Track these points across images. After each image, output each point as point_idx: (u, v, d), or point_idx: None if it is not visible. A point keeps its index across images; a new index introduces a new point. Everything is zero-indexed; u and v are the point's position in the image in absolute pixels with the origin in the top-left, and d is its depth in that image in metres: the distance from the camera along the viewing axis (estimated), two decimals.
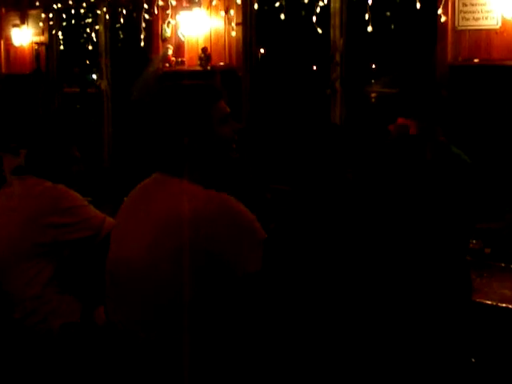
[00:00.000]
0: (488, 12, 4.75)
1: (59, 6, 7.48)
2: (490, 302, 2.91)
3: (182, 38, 6.43)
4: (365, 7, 5.22)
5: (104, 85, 7.38)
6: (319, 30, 5.54)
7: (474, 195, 3.23)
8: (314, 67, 6.09)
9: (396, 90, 5.30)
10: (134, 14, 6.88)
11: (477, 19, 4.79)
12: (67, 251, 3.11)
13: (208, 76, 6.12)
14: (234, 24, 6.08)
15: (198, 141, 2.22)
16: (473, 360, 2.63)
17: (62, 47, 7.73)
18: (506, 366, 2.74)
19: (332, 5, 5.58)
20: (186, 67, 6.36)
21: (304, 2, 5.59)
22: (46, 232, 3.02)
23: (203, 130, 2.23)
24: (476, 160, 4.68)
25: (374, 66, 5.82)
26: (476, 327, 2.80)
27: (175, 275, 2.12)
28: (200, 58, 6.15)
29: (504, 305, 2.90)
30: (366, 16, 5.20)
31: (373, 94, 5.87)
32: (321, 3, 5.51)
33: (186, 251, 2.10)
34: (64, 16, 7.55)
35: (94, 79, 7.61)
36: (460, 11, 4.84)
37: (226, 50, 6.20)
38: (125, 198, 2.43)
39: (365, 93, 5.84)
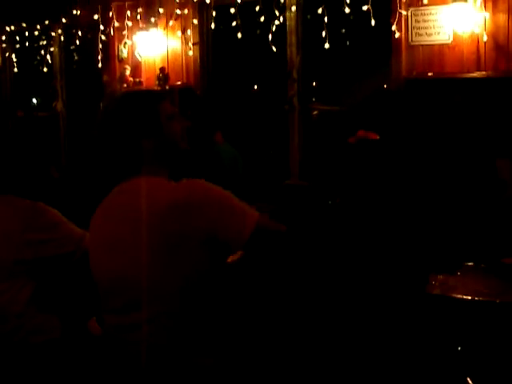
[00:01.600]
0: (440, 28, 4.94)
1: (12, 28, 7.45)
2: (469, 297, 3.05)
3: (139, 59, 6.47)
4: (321, 25, 5.36)
5: (60, 106, 7.37)
6: (274, 49, 5.66)
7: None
8: (271, 84, 6.20)
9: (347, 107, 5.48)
10: (89, 36, 6.90)
11: (429, 35, 4.98)
12: (47, 268, 3.12)
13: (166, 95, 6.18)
14: (190, 44, 6.16)
15: (151, 138, 2.32)
16: (459, 348, 2.75)
17: (15, 70, 7.69)
18: (487, 353, 2.87)
19: (288, 23, 5.72)
20: (144, 87, 6.39)
21: (260, 21, 5.70)
22: (27, 249, 3.03)
23: (154, 128, 2.32)
24: (430, 165, 4.87)
25: (330, 82, 5.96)
26: (457, 319, 2.94)
27: (173, 263, 2.17)
28: (158, 78, 6.20)
29: (480, 298, 3.06)
30: (323, 33, 5.35)
31: (315, 112, 5.99)
32: (277, 22, 5.65)
33: (184, 236, 2.16)
34: (18, 38, 7.52)
35: (34, 103, 7.62)
36: (413, 27, 5.02)
37: (184, 69, 6.27)
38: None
39: (314, 109, 5.96)
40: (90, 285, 2.48)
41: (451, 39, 4.92)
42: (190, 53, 6.17)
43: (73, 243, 3.12)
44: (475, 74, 4.82)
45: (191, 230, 2.15)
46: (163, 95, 2.44)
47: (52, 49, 7.30)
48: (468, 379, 2.54)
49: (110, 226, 2.34)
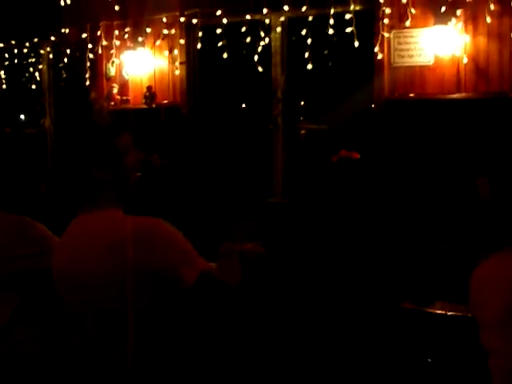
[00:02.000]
0: (421, 50, 5.04)
1: (1, 45, 7.52)
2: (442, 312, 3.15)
3: (126, 77, 6.54)
4: (305, 46, 5.46)
5: (47, 123, 7.43)
6: (260, 69, 5.75)
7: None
8: (256, 104, 6.28)
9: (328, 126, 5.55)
10: (78, 54, 6.96)
11: (411, 56, 5.07)
12: (32, 281, 3.17)
13: (153, 114, 6.25)
14: (177, 63, 6.24)
15: (106, 170, 2.38)
16: (429, 360, 2.81)
17: (4, 86, 7.75)
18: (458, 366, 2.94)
19: (273, 43, 5.81)
20: (131, 105, 6.46)
21: (246, 42, 5.79)
22: (13, 263, 3.08)
23: (110, 160, 2.39)
24: (412, 185, 4.95)
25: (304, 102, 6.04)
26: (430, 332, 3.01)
27: (121, 289, 2.26)
28: (145, 97, 6.27)
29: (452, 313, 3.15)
30: (306, 54, 5.44)
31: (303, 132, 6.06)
32: (262, 42, 5.74)
33: (129, 267, 2.25)
34: (6, 55, 7.58)
35: (22, 120, 7.67)
36: (395, 49, 5.12)
37: (170, 88, 6.34)
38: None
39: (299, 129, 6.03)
40: None
41: (432, 61, 5.01)
42: (177, 72, 6.25)
43: None
44: (455, 96, 4.91)
45: (142, 264, 2.24)
46: (121, 127, 2.51)
47: (40, 66, 7.36)
48: None
49: (69, 257, 2.43)
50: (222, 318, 2.72)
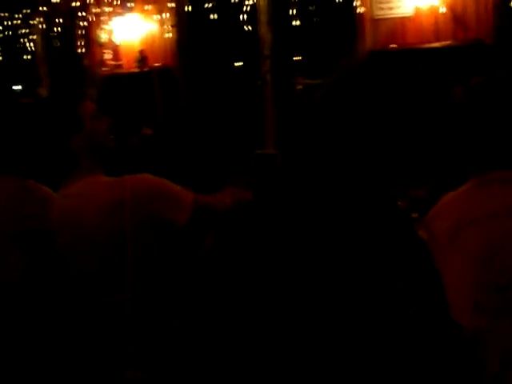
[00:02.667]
0: (401, 1, 5.23)
1: None
2: None
3: (117, 43, 6.72)
4: (289, 3, 5.65)
5: (43, 92, 7.61)
6: (248, 28, 5.94)
7: None
8: (246, 62, 6.48)
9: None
10: (68, 22, 7.12)
11: (391, 8, 5.27)
12: (39, 241, 3.39)
13: (145, 77, 6.44)
14: (168, 26, 6.42)
15: (75, 138, 2.58)
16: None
17: None
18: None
19: (259, 3, 5.99)
20: (124, 70, 6.66)
21: (233, 2, 5.97)
22: (20, 222, 3.30)
23: (76, 128, 2.58)
24: (397, 133, 5.17)
25: (300, 58, 6.24)
26: None
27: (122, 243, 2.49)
28: (137, 60, 6.46)
29: None
30: (292, 12, 5.63)
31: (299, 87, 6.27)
32: (247, 2, 5.92)
33: (128, 225, 2.47)
34: None
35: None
36: (376, 2, 5.32)
37: (162, 51, 6.53)
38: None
39: (295, 84, 6.23)
40: None
41: (412, 12, 5.21)
42: (168, 35, 6.43)
43: None
44: (435, 44, 5.12)
45: (141, 219, 2.47)
46: (81, 94, 2.68)
47: (33, 37, 7.53)
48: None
49: (69, 220, 2.63)
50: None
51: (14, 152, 3.56)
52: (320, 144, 4.04)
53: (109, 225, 2.48)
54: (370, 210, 2.98)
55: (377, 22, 5.35)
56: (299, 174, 3.07)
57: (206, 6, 6.08)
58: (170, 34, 6.45)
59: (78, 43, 6.94)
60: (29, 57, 7.61)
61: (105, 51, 6.78)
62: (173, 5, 6.39)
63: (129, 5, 6.53)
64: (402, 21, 5.26)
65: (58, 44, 7.48)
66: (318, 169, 3.31)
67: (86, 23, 6.88)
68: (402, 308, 2.63)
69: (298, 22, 5.66)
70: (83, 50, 6.97)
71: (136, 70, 6.49)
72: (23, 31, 7.59)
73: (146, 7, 6.50)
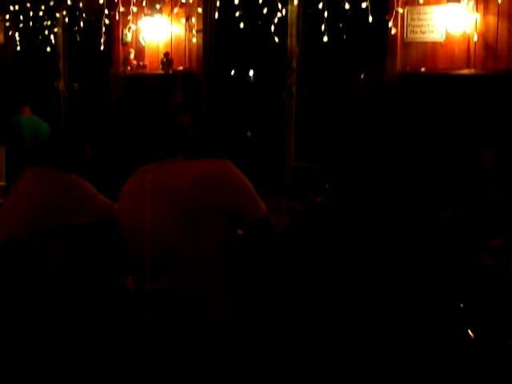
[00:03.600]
0: (433, 26, 5.28)
1: (16, 7, 7.67)
2: None
3: (143, 43, 6.74)
4: (321, 19, 5.68)
5: (61, 86, 7.62)
6: (276, 39, 5.97)
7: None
8: (271, 73, 6.51)
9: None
10: (93, 18, 7.14)
11: (423, 32, 5.31)
12: (77, 234, 3.44)
13: (170, 78, 6.45)
14: (194, 31, 6.44)
15: (165, 129, 2.63)
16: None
17: (18, 48, 7.91)
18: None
19: (289, 15, 6.03)
20: (147, 70, 6.67)
21: (263, 13, 6.01)
22: (61, 216, 3.33)
23: (167, 120, 2.63)
24: (422, 158, 5.20)
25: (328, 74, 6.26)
26: None
27: (198, 231, 2.50)
28: (162, 62, 6.48)
29: None
30: (322, 27, 5.66)
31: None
32: (279, 14, 5.95)
33: (204, 205, 2.49)
34: (21, 18, 7.73)
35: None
36: (409, 25, 5.36)
37: (187, 55, 6.56)
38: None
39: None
40: (124, 249, 2.79)
41: (444, 38, 5.25)
42: (194, 40, 6.45)
43: (102, 213, 3.43)
44: (465, 71, 5.16)
45: (215, 201, 2.48)
46: (173, 87, 2.74)
47: (56, 29, 7.54)
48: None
49: (140, 201, 2.66)
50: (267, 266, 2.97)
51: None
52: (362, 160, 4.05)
53: (178, 204, 2.50)
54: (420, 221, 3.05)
55: (408, 44, 5.39)
56: (353, 187, 3.10)
57: (235, 14, 6.10)
58: (196, 39, 6.46)
59: (101, 40, 6.93)
60: (48, 49, 7.59)
61: (129, 50, 6.78)
62: (201, 10, 6.41)
63: (157, 6, 6.55)
64: (434, 45, 5.30)
65: (80, 39, 7.48)
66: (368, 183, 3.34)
67: (110, 21, 6.89)
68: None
69: (327, 38, 5.68)
70: (105, 48, 6.97)
71: (160, 72, 6.50)
72: (45, 23, 7.58)
73: (175, 10, 6.51)
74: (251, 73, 6.82)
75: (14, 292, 3.22)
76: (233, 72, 6.78)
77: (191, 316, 2.52)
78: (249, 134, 6.83)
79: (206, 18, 6.47)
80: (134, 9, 6.74)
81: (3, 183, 5.33)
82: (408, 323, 2.74)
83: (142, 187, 2.69)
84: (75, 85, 7.65)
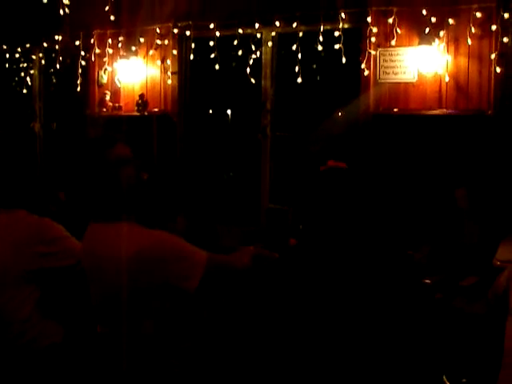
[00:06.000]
0: (406, 67, 5.35)
1: None
2: None
3: (119, 85, 6.75)
4: (294, 60, 5.75)
5: (37, 127, 7.62)
6: (250, 81, 6.02)
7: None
8: (246, 114, 6.56)
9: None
10: (69, 60, 7.15)
11: (396, 73, 5.39)
12: (51, 278, 3.40)
13: (145, 121, 6.47)
14: (169, 73, 6.48)
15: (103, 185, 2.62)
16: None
17: None
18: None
19: (264, 57, 6.09)
20: (123, 112, 6.68)
21: (237, 55, 6.07)
22: (34, 260, 3.29)
23: (103, 174, 2.62)
24: (396, 197, 5.24)
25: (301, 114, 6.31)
26: None
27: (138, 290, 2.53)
28: (137, 104, 6.48)
29: None
30: (296, 68, 5.73)
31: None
32: (253, 56, 6.01)
33: (147, 279, 2.51)
34: None
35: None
36: (381, 66, 5.43)
37: (162, 96, 6.57)
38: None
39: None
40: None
41: (416, 78, 5.33)
42: (169, 81, 6.49)
43: (75, 256, 3.40)
44: (437, 112, 5.22)
45: (151, 276, 2.51)
46: (114, 139, 2.73)
47: (32, 71, 7.56)
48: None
49: (95, 260, 2.69)
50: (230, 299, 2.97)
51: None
52: (323, 204, 4.10)
53: (120, 278, 2.53)
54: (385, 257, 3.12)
55: (381, 85, 5.45)
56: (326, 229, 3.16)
57: (210, 55, 6.16)
58: (171, 81, 6.50)
59: (77, 82, 6.95)
60: (24, 91, 7.60)
61: (105, 92, 6.80)
62: (176, 52, 6.46)
63: (133, 48, 6.59)
64: (406, 86, 5.37)
65: (55, 81, 7.49)
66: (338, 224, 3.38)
67: (86, 63, 6.91)
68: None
69: (301, 79, 5.74)
70: (81, 89, 6.98)
71: (135, 114, 6.51)
72: (22, 65, 7.60)
73: (150, 52, 6.56)
74: (227, 113, 6.85)
75: None
76: (209, 112, 6.82)
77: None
78: (231, 174, 6.85)
79: (181, 59, 6.52)
80: (110, 51, 6.78)
81: None
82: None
83: (91, 247, 2.71)
84: (53, 124, 7.63)
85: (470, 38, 5.11)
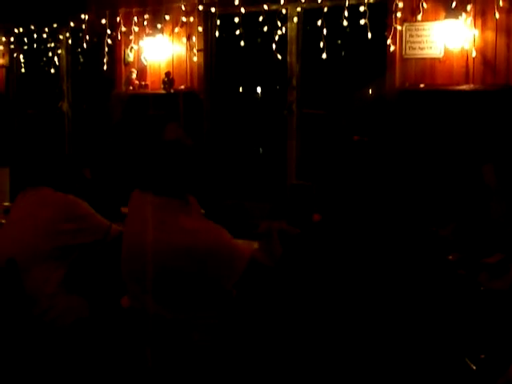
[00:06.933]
0: (432, 42, 5.29)
1: (21, 30, 7.74)
2: None
3: (145, 63, 6.78)
4: (319, 36, 5.71)
5: (65, 107, 7.67)
6: (276, 57, 6.00)
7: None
8: (272, 90, 6.55)
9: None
10: (96, 39, 7.19)
11: (422, 49, 5.33)
12: (77, 254, 3.46)
13: (171, 99, 6.49)
14: (195, 50, 6.48)
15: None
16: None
17: (23, 70, 7.98)
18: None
19: (289, 33, 6.06)
20: (149, 90, 6.71)
21: (262, 31, 6.05)
22: (60, 237, 3.36)
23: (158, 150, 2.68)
24: (422, 173, 5.21)
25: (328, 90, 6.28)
26: None
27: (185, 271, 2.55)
28: (163, 82, 6.50)
29: None
30: (321, 44, 5.69)
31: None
32: (279, 32, 5.99)
33: (188, 270, 2.54)
34: (26, 40, 7.80)
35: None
36: (407, 41, 5.37)
37: (188, 74, 6.59)
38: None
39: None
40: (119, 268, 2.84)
41: (442, 54, 5.26)
42: (195, 59, 6.49)
43: (100, 233, 3.45)
44: (464, 87, 5.16)
45: (194, 271, 2.55)
46: (168, 118, 2.80)
47: (59, 51, 7.60)
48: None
49: (134, 230, 2.71)
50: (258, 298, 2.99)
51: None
52: (358, 180, 4.08)
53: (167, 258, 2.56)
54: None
55: (407, 61, 5.40)
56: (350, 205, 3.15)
57: (235, 32, 6.14)
58: (197, 58, 6.50)
59: (104, 60, 6.98)
60: (52, 71, 7.66)
61: (131, 70, 6.83)
62: (201, 29, 6.45)
63: (158, 26, 6.60)
64: (432, 61, 5.31)
65: (83, 60, 7.53)
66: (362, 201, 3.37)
67: (112, 41, 6.94)
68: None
69: (326, 55, 5.70)
70: (108, 68, 7.01)
71: (161, 92, 6.53)
72: (49, 45, 7.65)
73: (176, 29, 6.56)
74: (253, 90, 6.84)
75: (8, 314, 3.24)
76: (235, 89, 6.81)
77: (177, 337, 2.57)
78: (260, 151, 6.85)
79: (207, 36, 6.51)
80: (136, 29, 6.80)
81: (8, 203, 5.34)
82: (401, 347, 2.77)
83: (142, 212, 2.73)
84: (84, 106, 7.70)
85: (498, 11, 5.03)
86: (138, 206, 2.79)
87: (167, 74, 6.52)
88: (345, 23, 5.62)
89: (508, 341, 2.76)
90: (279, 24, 5.99)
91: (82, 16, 7.14)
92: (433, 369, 2.74)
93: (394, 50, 5.43)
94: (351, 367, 2.69)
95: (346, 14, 5.60)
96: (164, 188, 2.69)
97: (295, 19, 6.00)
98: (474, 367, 2.75)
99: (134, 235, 2.76)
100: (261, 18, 6.03)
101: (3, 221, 4.07)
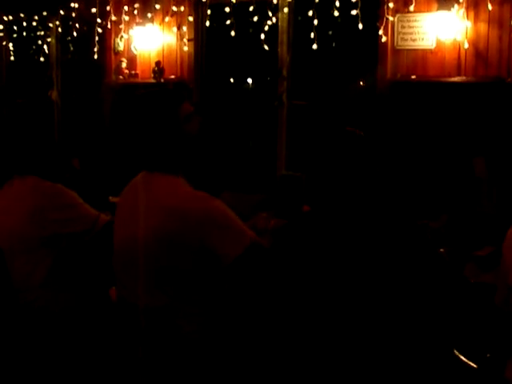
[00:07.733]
0: (424, 33, 5.26)
1: (10, 18, 7.67)
2: None
3: (135, 52, 6.73)
4: (310, 26, 5.66)
5: (54, 95, 7.62)
6: (266, 47, 5.95)
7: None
8: (262, 81, 6.51)
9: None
10: (85, 28, 7.12)
11: (414, 40, 5.29)
12: (65, 244, 3.42)
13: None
14: (185, 39, 6.44)
15: (169, 138, 2.60)
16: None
17: (12, 58, 7.91)
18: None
19: (280, 23, 6.02)
20: (139, 79, 6.66)
21: (253, 21, 5.99)
22: (48, 226, 3.31)
23: (173, 129, 2.61)
24: (413, 166, 5.19)
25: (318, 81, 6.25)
26: None
27: (174, 255, 2.49)
28: (153, 71, 6.46)
29: None
30: (312, 34, 5.65)
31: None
32: (269, 22, 5.94)
33: (183, 238, 2.48)
34: (15, 28, 7.74)
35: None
36: (399, 32, 5.34)
37: (178, 63, 6.55)
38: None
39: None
40: (108, 258, 2.79)
41: (434, 45, 5.23)
42: (185, 48, 6.45)
43: (89, 222, 3.41)
44: (456, 79, 5.13)
45: (191, 237, 2.48)
46: (183, 96, 2.73)
47: (49, 39, 7.54)
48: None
49: (127, 215, 2.66)
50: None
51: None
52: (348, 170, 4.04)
53: (156, 229, 2.50)
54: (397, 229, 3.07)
55: (398, 52, 5.37)
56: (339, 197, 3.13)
57: (226, 22, 6.09)
58: (187, 48, 6.45)
59: (94, 49, 6.92)
60: (42, 59, 7.59)
61: (121, 59, 6.78)
62: (192, 19, 6.40)
63: (149, 15, 6.54)
64: (424, 53, 5.28)
65: (73, 49, 7.47)
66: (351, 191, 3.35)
67: (103, 30, 6.88)
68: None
69: (316, 46, 5.65)
70: (98, 57, 6.96)
71: (151, 81, 6.49)
72: (39, 33, 7.59)
73: (166, 19, 6.51)
74: (243, 80, 6.80)
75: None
76: (226, 80, 6.77)
77: (166, 327, 2.53)
78: (250, 143, 6.82)
79: (197, 26, 6.47)
80: (126, 18, 6.74)
81: None
82: (390, 338, 2.75)
83: (131, 200, 2.69)
84: (74, 94, 7.65)
85: (491, 3, 4.99)
86: (136, 185, 2.73)
87: (157, 63, 6.47)
88: (336, 13, 5.57)
89: (503, 336, 2.74)
90: (270, 14, 5.93)
91: (72, 4, 7.07)
92: (421, 358, 2.72)
93: (386, 41, 5.39)
94: (340, 357, 2.67)
95: (338, 4, 5.54)
96: (166, 165, 2.63)
97: (286, 9, 5.95)
98: (476, 366, 2.74)
99: (128, 208, 2.70)
100: (251, 8, 5.97)
101: None
